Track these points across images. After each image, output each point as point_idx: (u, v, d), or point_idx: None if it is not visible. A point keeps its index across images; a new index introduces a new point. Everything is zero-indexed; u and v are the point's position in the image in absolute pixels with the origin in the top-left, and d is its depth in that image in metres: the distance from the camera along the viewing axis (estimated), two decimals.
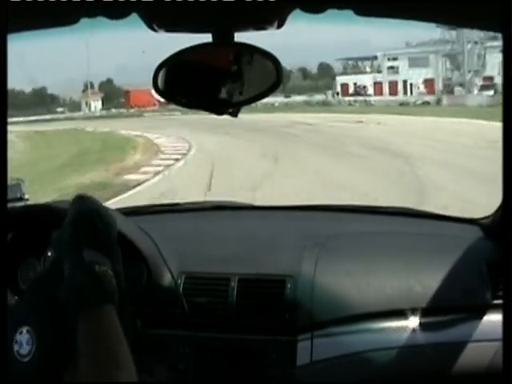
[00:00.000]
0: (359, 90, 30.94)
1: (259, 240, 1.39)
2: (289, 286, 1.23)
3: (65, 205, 1.13)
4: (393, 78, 30.22)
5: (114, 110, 33.45)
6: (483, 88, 25.46)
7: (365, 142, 11.84)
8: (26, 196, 1.46)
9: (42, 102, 34.79)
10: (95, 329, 0.73)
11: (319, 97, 31.19)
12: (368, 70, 33.04)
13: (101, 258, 0.79)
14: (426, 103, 25.88)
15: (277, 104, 27.20)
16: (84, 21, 0.76)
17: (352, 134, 13.50)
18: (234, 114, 0.88)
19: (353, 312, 1.23)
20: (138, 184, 8.42)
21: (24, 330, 0.78)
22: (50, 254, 1.19)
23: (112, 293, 0.77)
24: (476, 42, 26.49)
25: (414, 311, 1.24)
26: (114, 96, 37.23)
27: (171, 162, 10.59)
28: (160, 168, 9.88)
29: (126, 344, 0.72)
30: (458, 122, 15.66)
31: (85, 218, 0.81)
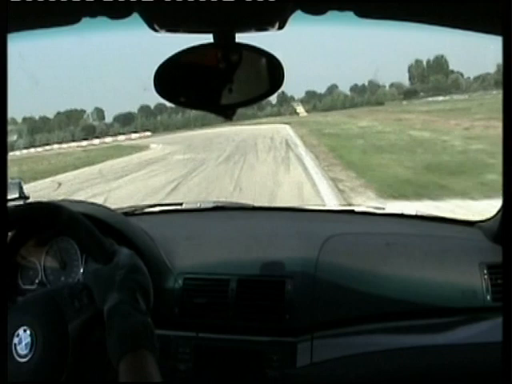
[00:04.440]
0: None
1: (259, 241, 1.39)
2: (289, 286, 1.23)
3: (65, 204, 1.13)
4: None
5: None
6: None
7: None
8: (27, 194, 1.46)
9: None
10: (139, 373, 0.76)
11: None
12: None
13: (149, 307, 0.86)
14: None
15: None
16: (85, 21, 0.76)
17: None
18: (229, 117, 0.88)
19: (353, 313, 1.23)
20: None
21: (24, 330, 0.78)
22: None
23: (157, 343, 0.82)
24: None
25: (414, 312, 1.24)
26: None
27: None
28: None
29: None
30: None
31: (138, 271, 0.90)
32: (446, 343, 1.19)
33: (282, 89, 0.86)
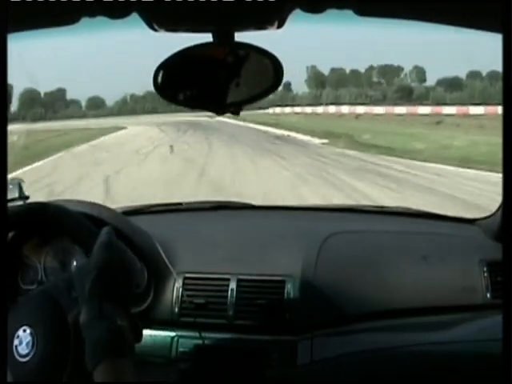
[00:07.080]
0: None
1: (259, 240, 1.39)
2: (289, 286, 1.23)
3: (65, 204, 1.14)
4: None
5: None
6: None
7: None
8: (26, 194, 1.46)
9: None
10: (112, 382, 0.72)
11: None
12: None
13: (120, 310, 0.79)
14: None
15: None
16: (85, 20, 0.76)
17: None
18: (236, 113, 0.88)
19: (353, 311, 1.23)
20: None
21: (24, 330, 0.78)
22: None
23: (130, 347, 0.77)
24: None
25: (414, 310, 1.24)
26: None
27: None
28: None
29: None
30: None
31: (111, 269, 0.81)
32: (445, 340, 1.19)
33: None
